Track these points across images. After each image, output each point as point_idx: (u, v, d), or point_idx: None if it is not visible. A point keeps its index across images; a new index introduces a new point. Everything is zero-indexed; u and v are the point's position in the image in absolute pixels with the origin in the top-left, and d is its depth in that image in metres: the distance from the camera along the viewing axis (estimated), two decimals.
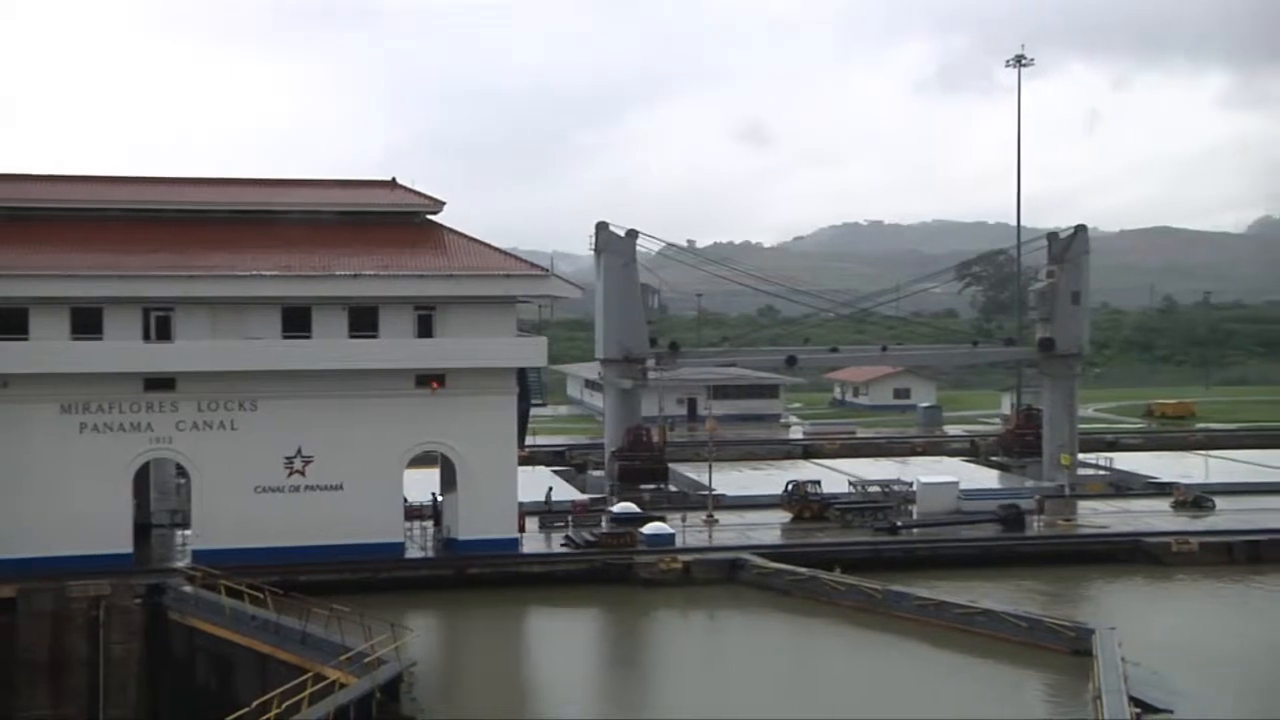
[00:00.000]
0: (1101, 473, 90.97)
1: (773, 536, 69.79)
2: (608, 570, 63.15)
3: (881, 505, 73.78)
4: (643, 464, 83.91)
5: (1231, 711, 43.63)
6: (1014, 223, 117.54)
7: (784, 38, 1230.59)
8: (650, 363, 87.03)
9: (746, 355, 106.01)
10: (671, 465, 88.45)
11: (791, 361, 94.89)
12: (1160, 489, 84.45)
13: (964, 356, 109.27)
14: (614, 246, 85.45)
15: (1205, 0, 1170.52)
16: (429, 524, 68.57)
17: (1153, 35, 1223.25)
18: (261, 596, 49.53)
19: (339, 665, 42.31)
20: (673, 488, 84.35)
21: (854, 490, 76.94)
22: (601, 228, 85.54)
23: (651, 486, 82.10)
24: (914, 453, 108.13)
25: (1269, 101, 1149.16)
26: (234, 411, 61.48)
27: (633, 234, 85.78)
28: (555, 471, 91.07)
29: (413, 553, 64.64)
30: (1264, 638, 54.64)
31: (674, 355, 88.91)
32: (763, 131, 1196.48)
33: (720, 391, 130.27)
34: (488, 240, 68.47)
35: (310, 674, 41.51)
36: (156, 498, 70.66)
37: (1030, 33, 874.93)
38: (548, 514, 71.75)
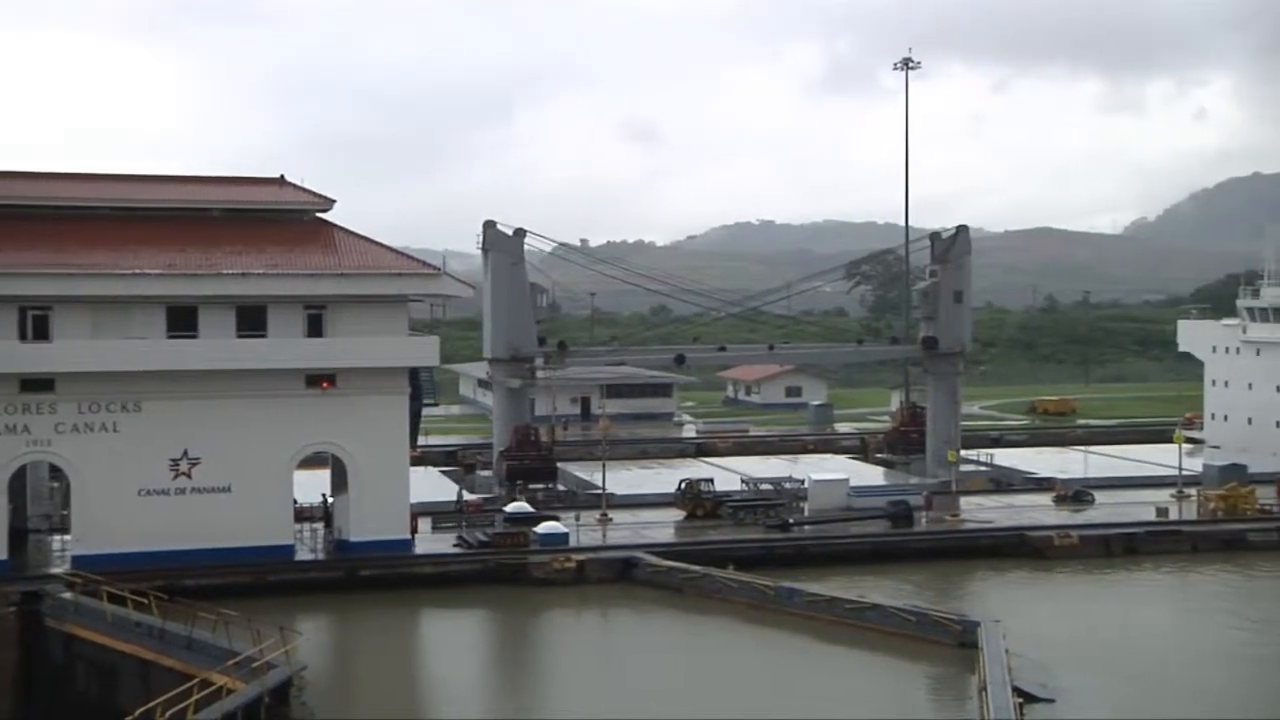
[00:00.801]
0: (982, 469, 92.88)
1: (666, 535, 70.06)
2: (501, 570, 62.86)
3: (774, 503, 74.49)
4: (531, 463, 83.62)
5: (1111, 700, 44.84)
6: (903, 222, 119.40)
7: (674, 37, 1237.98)
8: (539, 362, 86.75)
9: (635, 354, 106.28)
10: (561, 465, 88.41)
11: (680, 360, 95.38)
12: (1039, 484, 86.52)
13: (849, 355, 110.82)
14: (501, 245, 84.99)
15: (1080, 8, 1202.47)
16: (319, 526, 67.60)
17: (1030, 42, 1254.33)
18: (145, 602, 48.34)
19: (226, 670, 41.50)
20: (562, 487, 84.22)
21: (746, 488, 77.56)
22: (489, 226, 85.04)
23: (540, 486, 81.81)
24: (805, 450, 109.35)
25: (1139, 106, 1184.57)
26: (116, 413, 59.96)
27: (520, 233, 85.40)
28: (443, 471, 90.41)
29: (303, 555, 63.68)
30: (1141, 628, 56.30)
31: (562, 354, 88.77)
32: (654, 131, 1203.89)
33: (614, 391, 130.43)
34: (379, 239, 67.76)
35: (196, 680, 40.63)
36: (32, 502, 68.61)
37: (912, 37, 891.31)
38: (459, 514, 71.23)
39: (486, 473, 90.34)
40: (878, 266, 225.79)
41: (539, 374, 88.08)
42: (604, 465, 77.88)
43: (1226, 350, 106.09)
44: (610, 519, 72.81)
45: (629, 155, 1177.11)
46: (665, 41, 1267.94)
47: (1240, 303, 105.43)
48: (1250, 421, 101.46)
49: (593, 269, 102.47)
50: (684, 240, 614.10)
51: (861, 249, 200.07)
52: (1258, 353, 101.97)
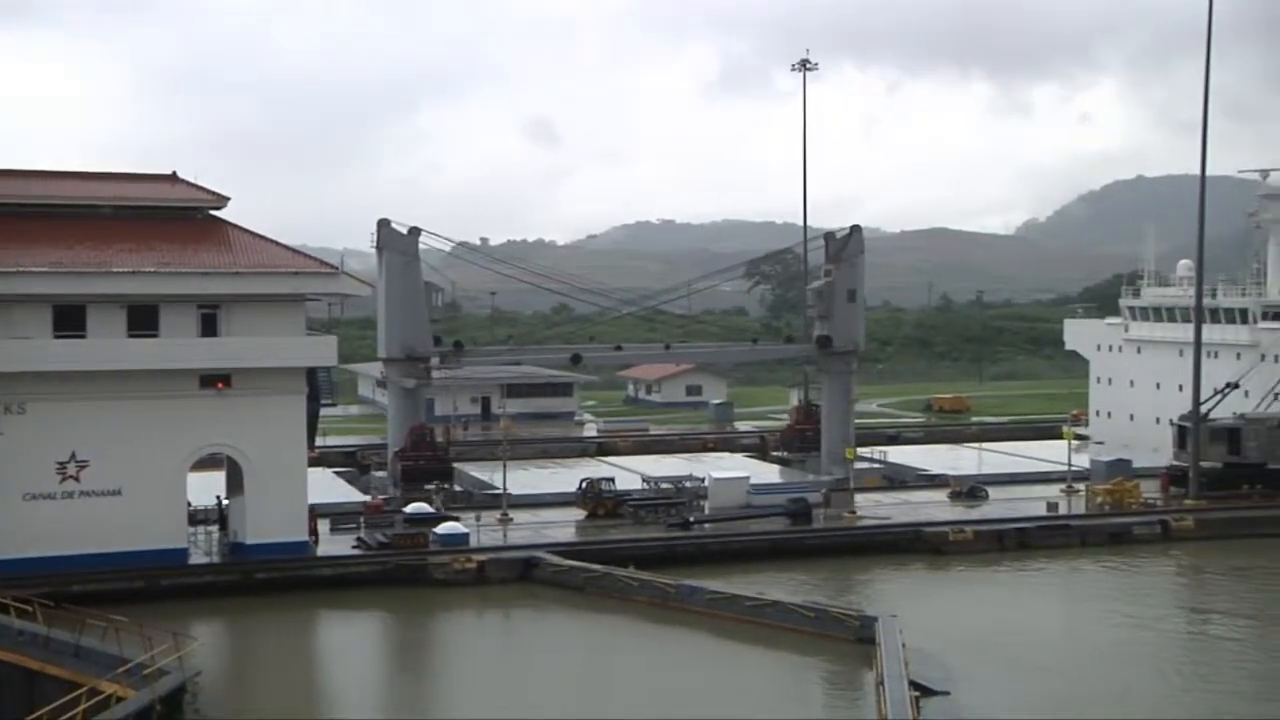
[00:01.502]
0: (876, 466, 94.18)
1: (567, 534, 70.02)
2: (401, 572, 62.34)
3: (674, 501, 74.80)
4: (426, 464, 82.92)
5: (1005, 691, 45.74)
6: (802, 222, 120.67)
7: (576, 37, 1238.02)
8: (434, 361, 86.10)
9: (532, 354, 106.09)
10: (458, 465, 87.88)
11: (576, 360, 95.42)
12: (931, 481, 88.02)
13: (744, 354, 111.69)
14: (396, 244, 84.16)
15: (968, 12, 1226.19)
16: (214, 528, 66.39)
17: (921, 45, 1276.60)
18: (30, 609, 47.02)
19: (116, 678, 40.51)
20: (458, 487, 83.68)
21: (647, 487, 77.79)
22: (383, 225, 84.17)
23: (433, 487, 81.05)
24: (706, 449, 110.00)
25: (1027, 109, 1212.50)
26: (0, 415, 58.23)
27: (415, 231, 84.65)
28: (338, 472, 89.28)
29: (197, 559, 62.53)
30: (1034, 620, 57.57)
31: (458, 354, 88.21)
32: (554, 130, 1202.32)
33: (514, 390, 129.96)
34: (276, 237, 66.74)
35: (84, 689, 39.61)
36: None
37: (806, 39, 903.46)
38: (384, 514, 70.68)
39: (382, 473, 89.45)
40: (777, 266, 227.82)
41: (434, 374, 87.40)
42: (504, 465, 77.59)
43: (1110, 349, 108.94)
44: (511, 519, 72.55)
45: (531, 154, 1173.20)
46: (567, 41, 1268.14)
47: (1123, 302, 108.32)
48: (1132, 418, 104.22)
49: (490, 268, 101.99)
50: (585, 239, 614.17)
51: (761, 248, 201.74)
52: (1139, 351, 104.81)
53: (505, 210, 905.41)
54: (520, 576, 62.79)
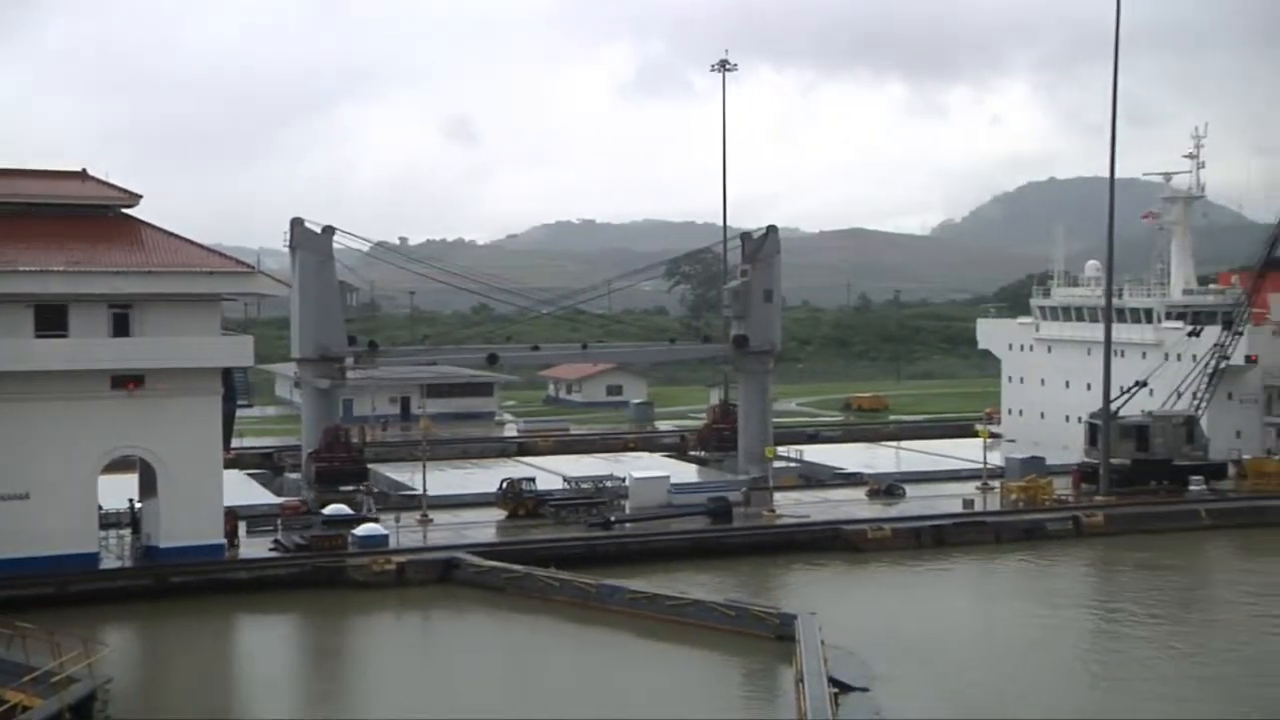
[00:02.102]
0: (793, 465, 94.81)
1: (487, 535, 69.73)
2: (319, 574, 61.64)
3: (595, 501, 74.79)
4: (341, 465, 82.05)
5: (922, 686, 46.32)
6: (721, 222, 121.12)
7: (491, 36, 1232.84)
8: (349, 362, 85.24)
9: (448, 354, 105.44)
10: (375, 466, 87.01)
11: (493, 360, 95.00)
12: (847, 479, 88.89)
13: (661, 353, 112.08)
14: (309, 243, 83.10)
15: (880, 15, 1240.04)
16: (127, 532, 65.15)
17: (836, 47, 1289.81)
18: None
19: (22, 687, 39.52)
20: (374, 488, 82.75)
21: (568, 487, 77.71)
22: (296, 223, 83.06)
23: (350, 488, 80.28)
24: (626, 448, 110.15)
25: (941, 111, 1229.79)
26: None
27: (329, 230, 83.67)
28: (251, 474, 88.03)
29: (109, 563, 61.33)
30: (951, 616, 58.31)
31: (373, 354, 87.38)
32: (473, 129, 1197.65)
33: (434, 390, 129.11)
34: (190, 235, 65.63)
35: None
36: None
37: (722, 40, 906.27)
38: (306, 514, 69.85)
39: (296, 475, 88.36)
40: (697, 266, 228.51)
41: (349, 374, 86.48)
42: (424, 465, 77.07)
43: (1021, 348, 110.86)
44: (431, 520, 72.09)
45: (450, 153, 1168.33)
46: (486, 40, 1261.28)
47: (1033, 302, 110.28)
48: (1043, 416, 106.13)
49: (405, 268, 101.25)
50: (505, 239, 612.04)
51: (682, 249, 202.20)
52: (1049, 350, 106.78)
53: (426, 209, 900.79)
54: (440, 578, 62.39)
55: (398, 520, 69.19)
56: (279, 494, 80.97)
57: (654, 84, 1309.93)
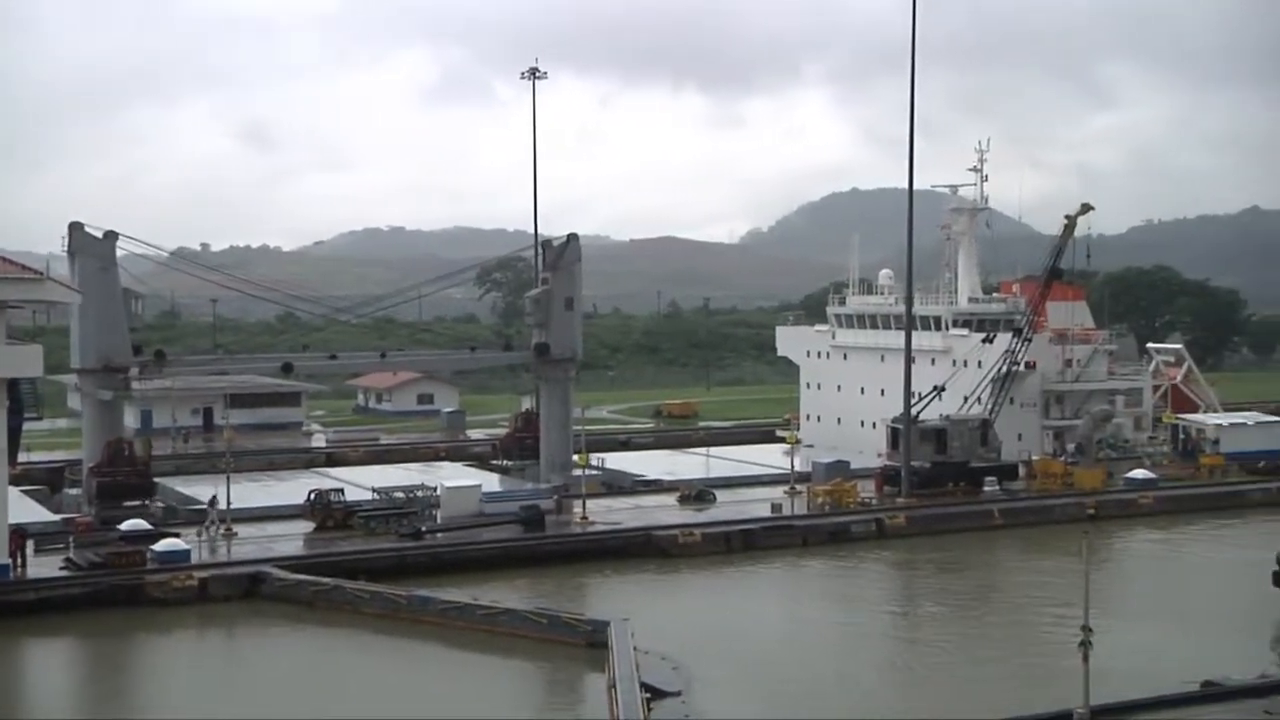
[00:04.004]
0: (595, 472, 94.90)
1: (295, 548, 68.14)
2: (116, 592, 59.23)
3: (406, 511, 73.80)
4: (124, 480, 78.83)
5: (736, 690, 47.04)
6: (532, 229, 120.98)
7: (274, 38, 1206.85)
8: (134, 372, 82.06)
9: (241, 363, 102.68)
10: (169, 480, 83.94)
11: (288, 369, 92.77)
12: (648, 485, 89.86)
13: (463, 361, 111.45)
14: (90, 249, 79.48)
15: (677, 27, 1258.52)
16: None
17: (635, 56, 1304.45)
18: None
19: None
20: (160, 503, 79.97)
21: (378, 497, 76.47)
22: (75, 228, 79.35)
23: (135, 503, 77.20)
24: (438, 458, 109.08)
25: (741, 123, 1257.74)
26: None
27: (111, 235, 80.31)
28: (25, 491, 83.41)
29: None
30: (761, 619, 59.40)
31: (160, 363, 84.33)
32: (270, 133, 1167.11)
33: (238, 400, 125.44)
34: None
35: None
36: None
37: (520, 47, 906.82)
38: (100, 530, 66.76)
39: (76, 491, 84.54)
40: (508, 273, 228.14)
41: (134, 385, 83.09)
42: (228, 478, 74.78)
43: (818, 355, 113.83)
44: (236, 534, 70.03)
45: (251, 158, 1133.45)
46: (270, 42, 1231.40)
47: (830, 310, 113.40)
48: (839, 421, 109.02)
49: (196, 275, 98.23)
50: (312, 246, 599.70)
51: (493, 256, 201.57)
52: (845, 357, 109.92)
53: (228, 215, 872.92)
54: (245, 593, 60.68)
55: (199, 535, 67.02)
56: (58, 511, 77.40)
57: (457, 90, 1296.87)
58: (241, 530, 70.92)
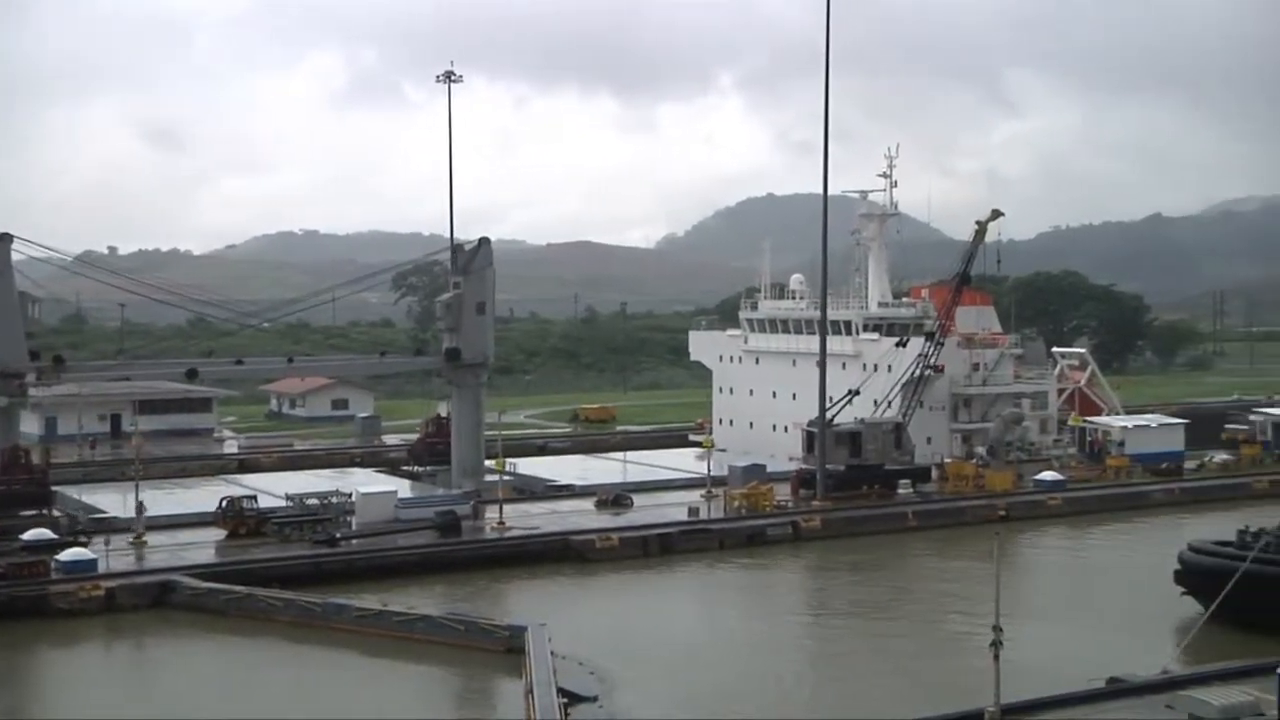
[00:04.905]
0: (507, 478, 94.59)
1: (207, 555, 67.11)
2: (18, 603, 57.90)
3: (320, 518, 73.00)
4: (21, 488, 76.95)
5: (652, 693, 47.13)
6: (448, 234, 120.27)
7: (183, 40, 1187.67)
8: (30, 378, 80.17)
9: (145, 368, 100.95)
10: (71, 488, 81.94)
11: (192, 374, 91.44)
12: (559, 490, 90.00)
13: (371, 366, 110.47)
14: None
15: (589, 33, 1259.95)
16: None
17: (546, 61, 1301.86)
18: None
19: None
20: (58, 513, 78.16)
21: (291, 504, 75.51)
22: None
23: (32, 513, 75.40)
24: (353, 463, 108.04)
25: (654, 128, 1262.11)
26: None
27: (6, 238, 78.38)
28: None
29: None
30: (679, 622, 59.74)
31: (58, 369, 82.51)
32: (179, 135, 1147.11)
33: (148, 406, 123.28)
34: None
35: None
36: None
37: (432, 51, 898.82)
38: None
39: None
40: (424, 278, 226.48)
41: (31, 391, 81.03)
42: (137, 485, 73.45)
43: (732, 359, 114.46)
44: (145, 542, 68.78)
45: (157, 159, 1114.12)
46: (179, 44, 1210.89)
47: (742, 314, 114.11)
48: (751, 425, 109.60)
49: (100, 280, 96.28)
50: (224, 249, 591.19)
51: (409, 260, 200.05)
52: (757, 361, 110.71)
53: (136, 218, 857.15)
54: (155, 602, 59.67)
55: (108, 544, 65.73)
56: None
57: (366, 93, 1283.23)
58: (152, 539, 69.65)
